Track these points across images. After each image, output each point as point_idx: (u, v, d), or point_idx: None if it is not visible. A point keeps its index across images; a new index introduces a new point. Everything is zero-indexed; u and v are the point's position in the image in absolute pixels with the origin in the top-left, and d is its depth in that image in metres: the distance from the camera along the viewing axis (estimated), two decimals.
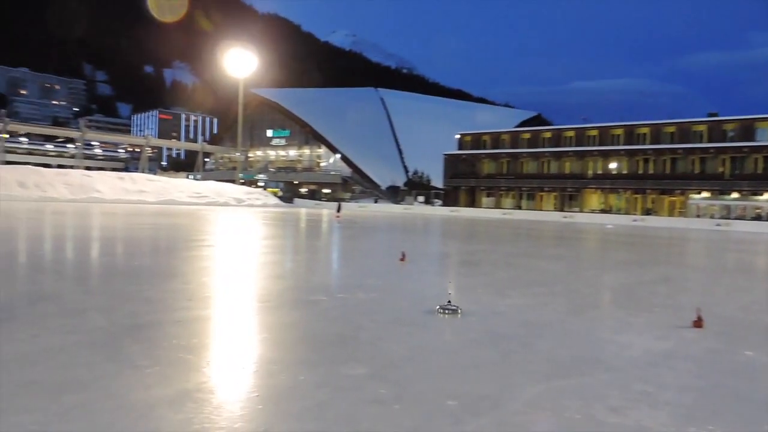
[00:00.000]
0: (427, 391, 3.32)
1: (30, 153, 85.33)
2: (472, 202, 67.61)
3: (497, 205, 65.02)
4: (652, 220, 48.64)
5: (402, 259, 10.03)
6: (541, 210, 60.68)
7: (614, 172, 58.65)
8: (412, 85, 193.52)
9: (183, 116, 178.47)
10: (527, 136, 67.12)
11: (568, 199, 61.56)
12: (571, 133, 62.93)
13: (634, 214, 53.76)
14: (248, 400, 3.00)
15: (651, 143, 56.33)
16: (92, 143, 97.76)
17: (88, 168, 63.06)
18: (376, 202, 72.74)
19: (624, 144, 58.25)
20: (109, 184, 45.50)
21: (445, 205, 67.44)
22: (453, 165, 70.16)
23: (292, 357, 3.86)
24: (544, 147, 63.87)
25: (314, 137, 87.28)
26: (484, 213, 58.52)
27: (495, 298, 6.69)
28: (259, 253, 11.99)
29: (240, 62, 62.30)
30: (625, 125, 59.40)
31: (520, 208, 62.44)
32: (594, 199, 60.69)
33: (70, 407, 2.78)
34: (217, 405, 2.91)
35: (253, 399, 3.01)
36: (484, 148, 68.99)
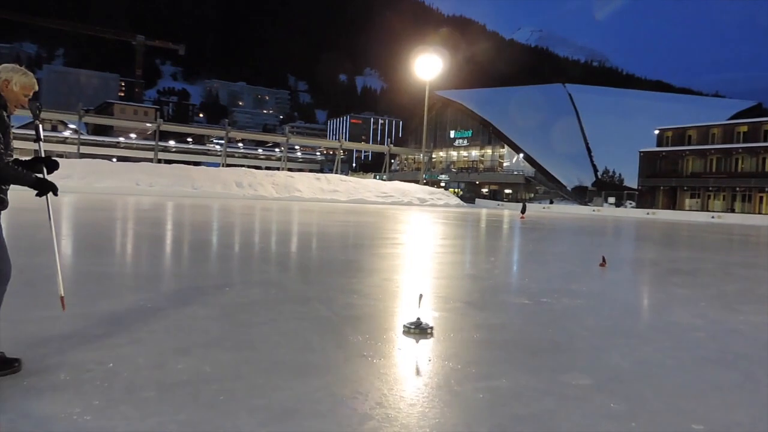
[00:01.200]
0: (663, 410, 3.02)
1: (244, 156, 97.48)
2: (672, 204, 61.00)
3: (703, 208, 57.80)
4: None
5: (602, 265, 9.39)
6: (760, 213, 52.46)
7: None
8: (603, 78, 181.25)
9: (371, 120, 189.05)
10: (744, 129, 58.57)
11: None
12: None
13: None
14: (474, 400, 3.02)
15: None
16: (294, 147, 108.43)
17: (290, 169, 70.04)
18: (551, 203, 69.27)
19: None
20: (307, 184, 50.04)
21: (639, 206, 61.83)
22: (651, 163, 64.09)
23: (509, 360, 3.80)
24: (766, 141, 55.12)
25: (497, 137, 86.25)
26: (687, 216, 52.33)
27: (724, 313, 5.91)
28: (450, 252, 12.17)
29: (426, 65, 64.12)
30: None
31: (732, 211, 54.77)
32: None
33: (315, 389, 3.05)
34: (447, 401, 2.97)
35: (479, 400, 3.01)
36: (689, 144, 61.83)
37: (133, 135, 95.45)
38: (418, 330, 4.28)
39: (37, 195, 3.07)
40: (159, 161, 67.01)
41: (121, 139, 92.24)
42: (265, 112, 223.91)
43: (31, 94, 3.09)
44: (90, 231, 12.58)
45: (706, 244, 18.66)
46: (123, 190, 37.66)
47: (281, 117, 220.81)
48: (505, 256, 11.96)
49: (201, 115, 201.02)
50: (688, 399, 3.22)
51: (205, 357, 3.49)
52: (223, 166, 66.56)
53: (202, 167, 55.61)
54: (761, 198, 55.08)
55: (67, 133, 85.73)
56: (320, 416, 2.70)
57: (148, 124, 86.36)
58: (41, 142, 3.21)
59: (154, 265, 7.93)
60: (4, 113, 3.00)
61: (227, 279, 6.83)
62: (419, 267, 8.99)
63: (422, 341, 4.15)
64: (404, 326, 4.33)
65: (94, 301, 5.00)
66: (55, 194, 3.09)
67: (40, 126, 3.18)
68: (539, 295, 6.41)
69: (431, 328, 4.35)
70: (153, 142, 76.28)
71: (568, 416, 2.87)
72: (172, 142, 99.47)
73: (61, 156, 55.98)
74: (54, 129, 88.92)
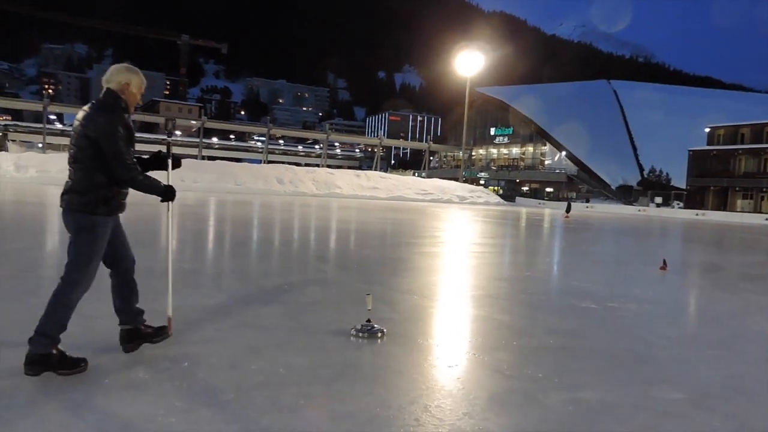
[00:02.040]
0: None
1: (285, 153, 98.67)
2: (723, 205, 58.66)
3: (756, 209, 55.37)
4: None
5: (663, 268, 9.00)
6: None
7: None
8: (649, 74, 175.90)
9: (410, 117, 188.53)
10: None
11: None
12: None
13: None
14: (565, 413, 2.84)
15: None
16: (334, 144, 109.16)
17: (329, 166, 70.45)
18: (586, 201, 67.29)
19: None
20: (347, 181, 50.13)
21: (687, 207, 59.70)
22: (700, 162, 61.83)
23: (591, 370, 3.60)
24: None
25: (539, 134, 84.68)
26: (740, 218, 50.18)
27: None
28: (500, 251, 11.92)
29: (466, 62, 63.39)
30: None
31: None
32: None
33: (396, 395, 2.94)
34: (537, 415, 2.81)
35: (570, 414, 2.84)
36: (742, 143, 59.35)
37: (178, 132, 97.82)
38: (368, 334, 3.93)
39: (161, 200, 3.14)
40: (203, 158, 68.44)
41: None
42: (304, 109, 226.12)
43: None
44: (142, 227, 12.83)
45: None
46: None
47: (320, 114, 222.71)
48: (560, 256, 11.63)
49: (242, 113, 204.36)
50: None
51: (277, 358, 3.41)
52: (264, 162, 67.49)
53: (245, 164, 56.47)
54: None
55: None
56: (408, 426, 2.58)
57: (193, 122, 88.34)
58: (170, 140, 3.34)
59: (208, 262, 7.98)
60: (127, 116, 3.04)
61: (285, 277, 6.80)
62: (473, 267, 8.79)
63: (496, 347, 3.99)
64: (354, 329, 3.96)
65: (157, 298, 5.03)
66: (173, 200, 3.19)
67: (171, 126, 3.45)
68: (605, 299, 6.15)
69: (382, 331, 3.99)
70: (197, 139, 77.97)
71: None
72: (215, 139, 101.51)
73: None
74: None
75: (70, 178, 2.95)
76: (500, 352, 3.87)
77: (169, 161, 3.26)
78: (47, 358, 2.84)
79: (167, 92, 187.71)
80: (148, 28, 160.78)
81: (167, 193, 3.10)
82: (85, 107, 2.99)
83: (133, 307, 3.28)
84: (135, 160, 3.06)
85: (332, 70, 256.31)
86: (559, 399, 3.01)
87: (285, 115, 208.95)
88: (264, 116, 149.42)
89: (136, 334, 3.29)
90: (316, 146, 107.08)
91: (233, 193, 38.53)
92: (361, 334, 3.94)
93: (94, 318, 3.87)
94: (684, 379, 3.53)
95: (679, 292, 7.34)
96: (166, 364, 3.16)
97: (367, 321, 4.04)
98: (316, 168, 58.15)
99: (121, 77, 3.01)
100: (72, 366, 2.90)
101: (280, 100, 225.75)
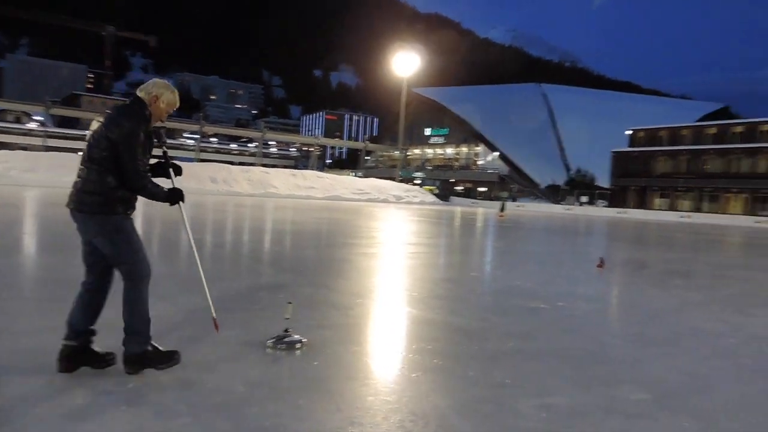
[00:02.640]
0: (740, 429, 2.85)
1: (218, 151, 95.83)
2: (643, 204, 62.16)
3: (672, 207, 59.03)
4: None
5: (600, 266, 9.32)
6: (726, 213, 53.83)
7: None
8: (575, 78, 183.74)
9: (346, 116, 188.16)
10: (713, 131, 60.10)
11: (762, 202, 53.86)
12: None
13: None
14: (539, 420, 2.79)
15: None
16: (269, 142, 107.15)
17: (264, 165, 69.06)
18: (513, 200, 69.28)
19: None
20: (283, 180, 49.28)
21: (610, 205, 62.82)
22: (622, 163, 65.20)
23: (554, 373, 3.59)
24: (733, 143, 56.60)
25: (472, 135, 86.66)
26: (657, 216, 53.33)
27: (740, 318, 5.84)
28: (443, 252, 11.99)
29: (403, 62, 63.88)
30: None
31: (700, 210, 56.02)
32: None
33: (370, 406, 2.79)
34: (513, 426, 2.74)
35: (544, 420, 2.79)
36: (660, 145, 63.09)
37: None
38: (285, 345, 3.66)
39: (170, 205, 3.13)
40: None
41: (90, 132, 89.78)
42: (238, 106, 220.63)
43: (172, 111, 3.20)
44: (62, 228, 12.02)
45: (689, 245, 18.92)
46: None
47: (255, 112, 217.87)
48: (501, 256, 11.83)
49: None
50: (756, 415, 3.06)
51: (235, 374, 3.18)
52: (196, 161, 65.28)
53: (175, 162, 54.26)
54: (727, 198, 56.55)
55: (31, 125, 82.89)
56: None
57: None
58: (165, 148, 3.27)
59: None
60: (149, 126, 3.06)
61: (229, 282, 6.44)
62: (418, 267, 8.75)
63: (456, 353, 3.91)
64: (270, 341, 3.68)
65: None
66: (184, 201, 3.17)
67: (163, 133, 3.26)
68: (553, 299, 6.24)
69: (301, 342, 3.72)
70: None
71: None
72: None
73: (24, 149, 54.10)
74: (17, 121, 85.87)
75: (80, 177, 2.95)
76: (462, 357, 3.79)
77: (171, 171, 3.25)
78: (144, 355, 3.00)
79: (90, 86, 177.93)
80: (70, 18, 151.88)
81: (173, 197, 3.10)
82: (108, 109, 3.04)
83: (92, 324, 3.09)
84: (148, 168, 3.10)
85: (267, 67, 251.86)
86: (531, 405, 2.96)
87: (218, 112, 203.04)
88: (196, 113, 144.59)
89: (80, 351, 3.02)
90: (250, 145, 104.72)
91: None
92: (278, 346, 3.65)
93: (19, 335, 3.48)
94: (643, 378, 3.58)
95: (618, 290, 7.59)
96: (108, 386, 2.86)
97: (285, 330, 3.76)
98: (251, 167, 56.80)
99: (154, 90, 3.08)
100: (168, 359, 3.06)
101: (213, 97, 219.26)
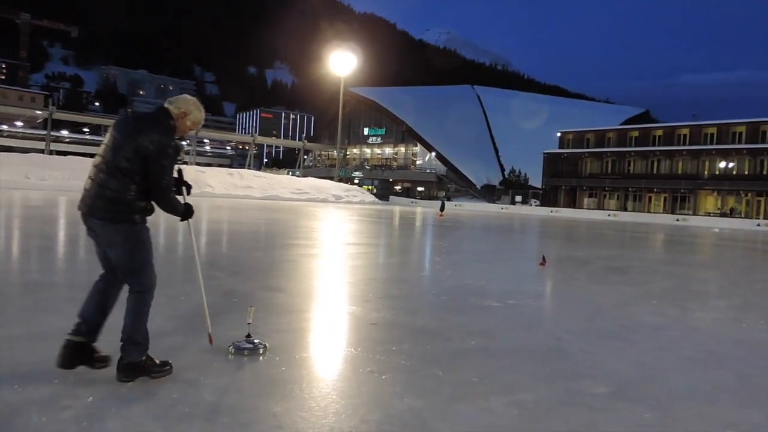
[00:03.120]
0: (692, 417, 3.02)
1: None
2: (573, 203, 64.94)
3: (600, 206, 62.02)
4: None
5: (542, 264, 9.65)
6: (649, 212, 57.14)
7: (734, 173, 54.14)
8: (507, 81, 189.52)
9: (283, 115, 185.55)
10: (636, 134, 63.56)
11: (680, 201, 57.52)
12: (686, 131, 58.82)
13: (757, 219, 49.22)
14: (511, 417, 2.84)
15: None
16: (203, 140, 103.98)
17: (198, 164, 67.00)
18: (448, 200, 70.59)
19: (747, 142, 53.50)
20: (219, 179, 48.04)
21: (543, 205, 65.25)
22: (553, 164, 67.77)
23: (517, 369, 3.67)
24: (654, 146, 60.10)
25: (410, 135, 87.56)
26: (587, 214, 55.91)
27: (677, 311, 6.19)
28: (393, 252, 12.04)
29: (340, 61, 63.66)
30: (748, 122, 54.60)
31: (625, 209, 59.15)
32: (710, 202, 56.33)
33: (333, 412, 2.74)
34: (490, 425, 2.77)
35: (516, 417, 2.84)
36: (588, 147, 66.06)
37: (18, 123, 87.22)
38: (248, 351, 3.57)
39: (181, 220, 3.18)
40: (51, 152, 61.73)
41: (5, 127, 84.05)
42: None
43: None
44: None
45: (620, 242, 19.90)
46: (9, 184, 34.06)
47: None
48: (448, 255, 12.00)
49: (96, 104, 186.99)
50: (704, 404, 3.24)
51: (197, 383, 3.05)
52: None
53: None
54: (650, 198, 59.95)
55: None
56: None
57: (38, 112, 79.31)
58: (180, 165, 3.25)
59: (77, 273, 7.11)
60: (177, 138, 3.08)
61: (177, 287, 6.18)
62: (369, 267, 8.74)
63: (421, 353, 3.93)
64: (232, 347, 3.58)
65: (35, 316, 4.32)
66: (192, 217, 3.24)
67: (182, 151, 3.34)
68: (504, 296, 6.40)
69: (264, 346, 3.66)
70: (43, 132, 70.13)
71: (611, 430, 2.77)
72: (65, 132, 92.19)
73: None
74: None
75: (97, 182, 2.91)
76: (428, 357, 3.81)
77: (184, 188, 3.30)
78: (142, 364, 2.98)
79: (3, 77, 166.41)
80: None
81: (187, 213, 3.18)
82: (131, 115, 3.10)
83: (102, 320, 3.11)
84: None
85: (199, 62, 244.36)
86: (502, 403, 3.01)
87: (147, 108, 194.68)
88: (122, 108, 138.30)
89: (82, 349, 3.03)
90: (183, 143, 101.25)
91: None
92: (242, 352, 3.56)
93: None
94: (600, 371, 3.72)
95: (563, 287, 7.87)
96: (66, 402, 2.67)
97: (247, 336, 3.67)
98: (184, 166, 54.87)
99: (184, 106, 3.11)
100: (160, 369, 3.04)
101: (141, 92, 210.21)
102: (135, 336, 2.98)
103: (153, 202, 3.02)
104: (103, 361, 3.08)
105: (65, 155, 54.85)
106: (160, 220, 16.15)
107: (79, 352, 2.99)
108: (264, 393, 2.96)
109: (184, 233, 10.48)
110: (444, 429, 2.64)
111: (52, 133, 73.44)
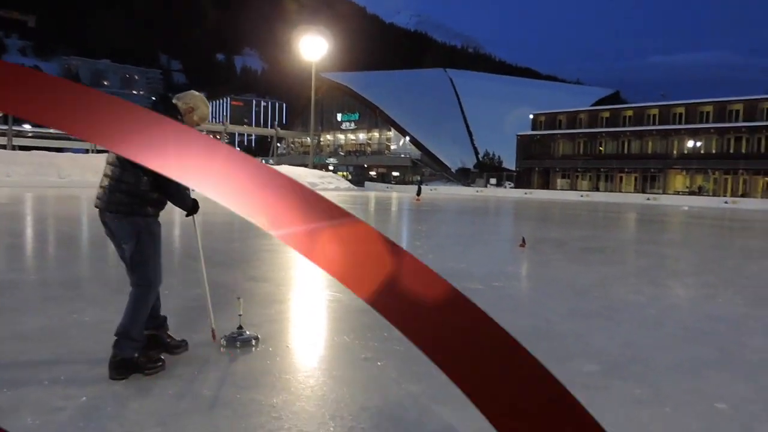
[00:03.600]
0: (681, 392, 3.10)
1: None
2: (546, 184, 65.72)
3: (573, 187, 62.92)
4: (746, 203, 45.56)
5: (522, 246, 9.77)
6: (621, 192, 58.20)
7: (702, 152, 55.43)
8: (478, 64, 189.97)
9: (254, 102, 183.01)
10: (606, 114, 64.40)
11: (650, 180, 58.73)
12: (655, 111, 59.82)
13: (724, 196, 50.61)
14: None
15: (744, 121, 52.63)
16: None
17: None
18: (424, 184, 70.84)
19: (714, 122, 54.72)
20: None
21: (517, 187, 65.88)
22: (526, 146, 68.37)
23: None
24: (624, 126, 61.08)
25: (384, 120, 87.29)
26: (560, 195, 56.64)
27: (656, 290, 6.32)
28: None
29: (310, 46, 62.84)
30: (715, 102, 55.80)
31: (597, 189, 60.12)
32: (679, 180, 57.63)
33: (327, 406, 2.74)
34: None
35: None
36: (560, 128, 66.72)
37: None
38: (241, 343, 3.55)
39: (186, 215, 3.30)
40: (14, 148, 59.86)
41: None
42: (134, 93, 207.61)
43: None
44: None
45: (594, 222, 20.23)
46: None
47: (153, 98, 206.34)
48: (428, 239, 12.03)
49: None
50: (692, 378, 3.34)
51: (191, 377, 3.01)
52: (92, 152, 60.95)
53: (68, 154, 50.49)
54: (621, 178, 61.01)
55: None
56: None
57: None
58: None
59: (51, 270, 6.95)
60: None
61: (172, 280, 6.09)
62: None
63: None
64: (224, 339, 3.55)
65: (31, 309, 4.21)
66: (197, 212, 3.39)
67: None
68: (488, 279, 6.46)
69: (256, 338, 3.63)
70: (4, 126, 67.91)
71: (601, 407, 2.83)
72: (27, 126, 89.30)
73: None
74: None
75: (111, 177, 2.96)
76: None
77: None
78: (135, 360, 2.95)
79: None
80: None
81: (195, 208, 3.30)
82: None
83: (158, 313, 3.31)
84: None
85: (165, 50, 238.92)
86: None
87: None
88: None
89: (157, 341, 3.25)
90: None
91: (57, 187, 34.29)
92: (235, 342, 3.53)
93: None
94: (589, 350, 3.79)
95: (544, 268, 7.98)
96: (57, 403, 2.62)
97: (238, 328, 3.65)
98: None
99: (192, 102, 3.21)
100: (153, 365, 3.01)
101: (105, 83, 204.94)
102: (131, 332, 2.96)
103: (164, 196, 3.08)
104: (181, 346, 3.33)
105: (29, 150, 53.28)
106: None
107: (155, 342, 3.21)
108: (261, 384, 2.94)
109: (184, 228, 10.33)
110: (444, 412, 2.67)
111: (14, 128, 71.23)
